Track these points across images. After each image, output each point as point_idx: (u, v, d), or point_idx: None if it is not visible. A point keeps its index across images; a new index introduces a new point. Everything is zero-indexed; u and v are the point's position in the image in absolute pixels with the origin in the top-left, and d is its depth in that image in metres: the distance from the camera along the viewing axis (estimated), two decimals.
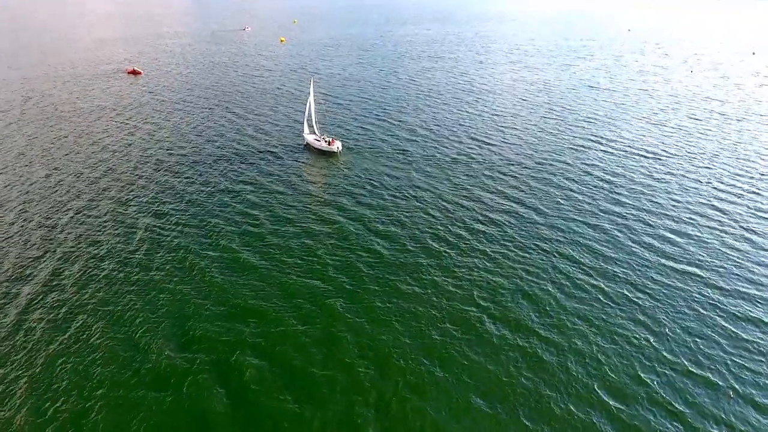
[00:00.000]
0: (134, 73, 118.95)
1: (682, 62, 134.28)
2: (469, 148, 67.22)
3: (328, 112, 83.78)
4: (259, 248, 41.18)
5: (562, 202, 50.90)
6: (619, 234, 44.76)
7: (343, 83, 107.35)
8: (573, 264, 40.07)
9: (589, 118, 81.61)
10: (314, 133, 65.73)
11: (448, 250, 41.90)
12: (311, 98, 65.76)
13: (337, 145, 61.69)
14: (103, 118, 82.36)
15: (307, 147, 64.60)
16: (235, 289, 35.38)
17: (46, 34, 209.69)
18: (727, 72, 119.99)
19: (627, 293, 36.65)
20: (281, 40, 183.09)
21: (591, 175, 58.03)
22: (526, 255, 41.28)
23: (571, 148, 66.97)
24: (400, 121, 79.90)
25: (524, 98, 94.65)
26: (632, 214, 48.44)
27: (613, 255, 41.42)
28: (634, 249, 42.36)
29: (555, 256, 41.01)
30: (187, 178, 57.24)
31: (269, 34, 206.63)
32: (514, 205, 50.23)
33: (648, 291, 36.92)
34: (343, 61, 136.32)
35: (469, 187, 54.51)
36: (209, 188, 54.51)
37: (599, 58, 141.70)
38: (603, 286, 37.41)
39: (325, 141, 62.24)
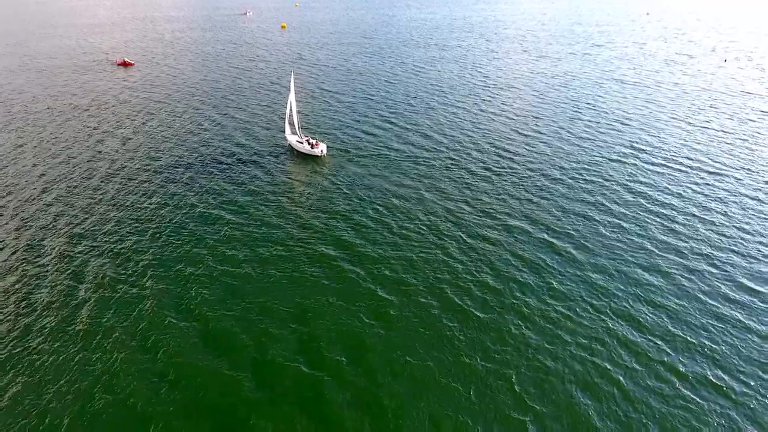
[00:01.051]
0: (125, 64, 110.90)
1: (710, 50, 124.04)
2: (485, 156, 58.32)
3: (325, 110, 74.88)
4: (229, 264, 33.05)
5: (605, 232, 42.14)
6: (685, 282, 36.07)
7: (344, 76, 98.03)
8: (633, 328, 31.54)
9: (622, 119, 72.33)
10: (296, 133, 60.65)
11: (467, 317, 33.39)
12: (292, 94, 58.03)
13: (321, 148, 56.05)
14: (75, 118, 73.54)
15: (291, 149, 58.85)
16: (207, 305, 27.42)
17: (28, 20, 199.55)
18: (763, 62, 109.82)
19: (711, 377, 28.16)
20: (282, 26, 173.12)
21: (635, 194, 49.12)
22: (571, 314, 32.73)
23: (608, 158, 57.89)
24: (403, 120, 70.99)
25: (545, 94, 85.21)
26: (694, 252, 39.69)
27: (683, 316, 32.82)
28: (707, 303, 33.74)
29: (608, 318, 32.45)
30: (153, 186, 49.08)
31: (270, 19, 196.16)
32: (546, 236, 41.51)
33: (739, 373, 28.43)
34: (345, 50, 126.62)
35: (486, 209, 45.72)
36: (175, 197, 49.08)
37: (620, 46, 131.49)
38: (676, 365, 28.91)
39: (309, 143, 56.46)
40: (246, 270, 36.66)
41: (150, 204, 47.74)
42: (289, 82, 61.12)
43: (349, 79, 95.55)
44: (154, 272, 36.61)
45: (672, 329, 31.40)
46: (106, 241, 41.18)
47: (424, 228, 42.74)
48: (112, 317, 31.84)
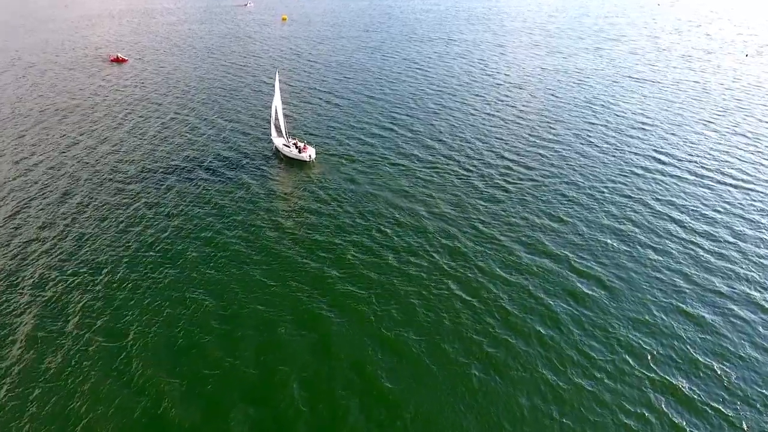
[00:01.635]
0: (118, 60, 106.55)
1: (729, 43, 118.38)
2: (494, 168, 53.69)
3: (320, 111, 70.23)
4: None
5: (630, 265, 37.58)
6: (727, 329, 31.63)
7: (343, 73, 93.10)
8: (679, 400, 27.20)
9: (642, 123, 67.40)
10: (282, 136, 57.05)
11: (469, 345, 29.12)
12: (277, 95, 54.48)
13: (309, 153, 52.70)
14: (61, 122, 69.03)
15: (277, 153, 55.74)
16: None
17: (15, 11, 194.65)
18: None
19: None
20: (283, 19, 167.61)
21: (665, 216, 44.48)
22: (601, 376, 28.38)
23: (631, 171, 53.15)
24: (404, 124, 66.35)
25: (558, 94, 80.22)
26: (737, 290, 35.19)
27: (726, 366, 28.44)
28: (748, 352, 29.36)
29: (650, 389, 28.10)
30: (126, 195, 45.17)
31: (271, 10, 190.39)
32: (567, 272, 37.00)
33: None
34: (344, 44, 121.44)
35: (496, 234, 41.18)
36: (150, 208, 46.19)
37: (633, 40, 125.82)
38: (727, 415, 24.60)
39: (296, 147, 53.33)
40: (218, 287, 32.63)
41: (122, 215, 43.93)
42: (274, 81, 56.99)
43: (348, 77, 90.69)
44: (126, 286, 32.69)
45: (721, 386, 27.03)
46: (76, 256, 36.93)
47: (422, 253, 38.29)
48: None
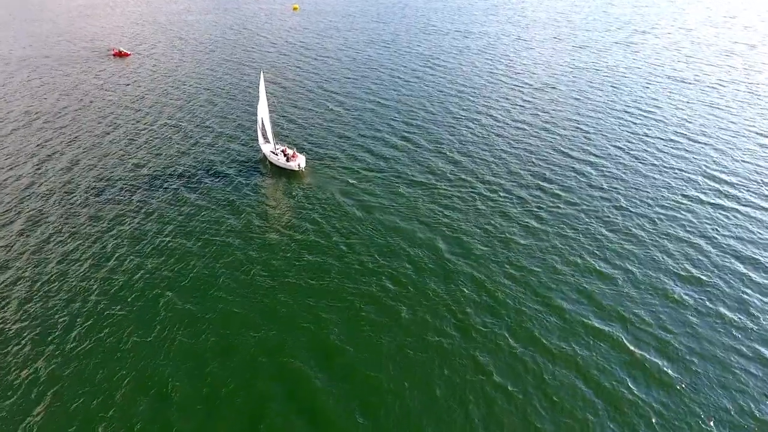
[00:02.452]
0: (120, 55, 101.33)
1: None
2: (521, 189, 47.13)
3: (323, 114, 63.92)
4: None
5: (703, 331, 31.04)
6: None
7: (352, 70, 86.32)
8: None
9: (687, 133, 60.14)
10: (270, 142, 53.07)
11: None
12: (262, 98, 50.37)
13: (298, 162, 48.84)
14: (52, 123, 63.36)
15: (265, 161, 51.99)
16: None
17: (10, 1, 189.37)
18: None
19: None
20: (294, 8, 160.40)
21: (734, 259, 37.69)
22: None
23: (682, 195, 46.27)
24: (415, 132, 59.98)
25: (590, 97, 72.93)
26: None
27: None
28: None
29: None
30: (98, 206, 40.54)
31: None
32: (619, 335, 30.64)
33: None
34: (356, 37, 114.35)
35: (521, 277, 34.85)
36: (122, 222, 42.34)
37: (665, 33, 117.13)
38: None
39: (284, 154, 49.57)
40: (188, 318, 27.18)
41: (91, 232, 38.66)
42: (259, 83, 51.44)
43: (357, 75, 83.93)
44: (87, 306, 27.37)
45: None
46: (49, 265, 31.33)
47: (438, 309, 32.07)
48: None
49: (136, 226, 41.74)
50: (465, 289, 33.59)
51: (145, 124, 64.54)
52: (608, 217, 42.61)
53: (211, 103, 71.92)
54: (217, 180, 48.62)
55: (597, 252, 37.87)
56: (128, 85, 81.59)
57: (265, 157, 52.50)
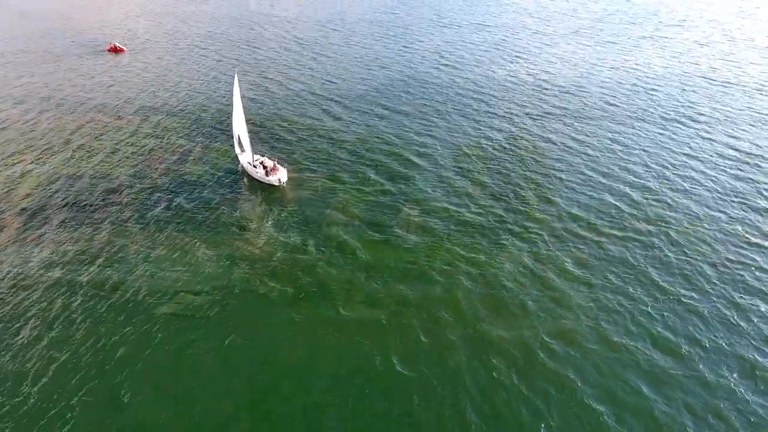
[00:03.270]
0: (115, 50, 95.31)
1: None
2: (555, 217, 40.29)
3: (317, 121, 57.35)
4: None
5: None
6: None
7: (352, 71, 79.19)
8: None
9: (738, 149, 52.92)
10: (247, 152, 46.42)
11: None
12: (237, 103, 44.87)
13: (279, 176, 43.58)
14: (31, 132, 57.01)
15: (244, 173, 46.24)
16: None
17: None
18: None
19: None
20: (298, 1, 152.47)
21: None
22: None
23: (743, 239, 39.18)
24: (422, 143, 53.51)
25: (620, 102, 65.58)
26: None
27: None
28: None
29: None
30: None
31: None
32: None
33: None
34: (362, 31, 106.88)
35: (550, 331, 28.29)
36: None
37: (694, 26, 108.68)
38: None
39: (263, 167, 44.33)
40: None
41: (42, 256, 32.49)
42: (233, 87, 45.59)
43: (358, 76, 76.70)
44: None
45: None
46: None
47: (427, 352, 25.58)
48: None
49: (96, 243, 35.71)
50: (452, 317, 27.11)
51: (124, 133, 58.12)
52: (662, 262, 35.81)
53: (202, 108, 65.33)
54: (190, 198, 42.64)
55: (655, 316, 31.19)
56: (112, 85, 75.12)
57: (243, 169, 46.84)
